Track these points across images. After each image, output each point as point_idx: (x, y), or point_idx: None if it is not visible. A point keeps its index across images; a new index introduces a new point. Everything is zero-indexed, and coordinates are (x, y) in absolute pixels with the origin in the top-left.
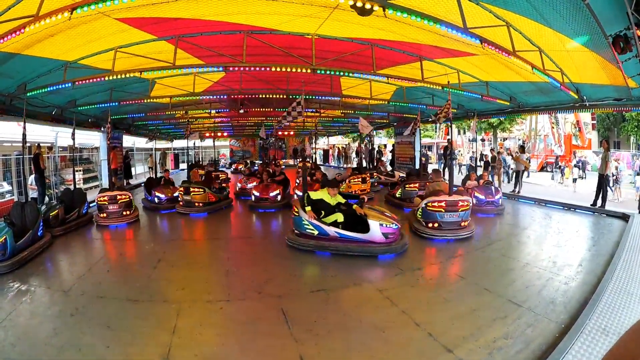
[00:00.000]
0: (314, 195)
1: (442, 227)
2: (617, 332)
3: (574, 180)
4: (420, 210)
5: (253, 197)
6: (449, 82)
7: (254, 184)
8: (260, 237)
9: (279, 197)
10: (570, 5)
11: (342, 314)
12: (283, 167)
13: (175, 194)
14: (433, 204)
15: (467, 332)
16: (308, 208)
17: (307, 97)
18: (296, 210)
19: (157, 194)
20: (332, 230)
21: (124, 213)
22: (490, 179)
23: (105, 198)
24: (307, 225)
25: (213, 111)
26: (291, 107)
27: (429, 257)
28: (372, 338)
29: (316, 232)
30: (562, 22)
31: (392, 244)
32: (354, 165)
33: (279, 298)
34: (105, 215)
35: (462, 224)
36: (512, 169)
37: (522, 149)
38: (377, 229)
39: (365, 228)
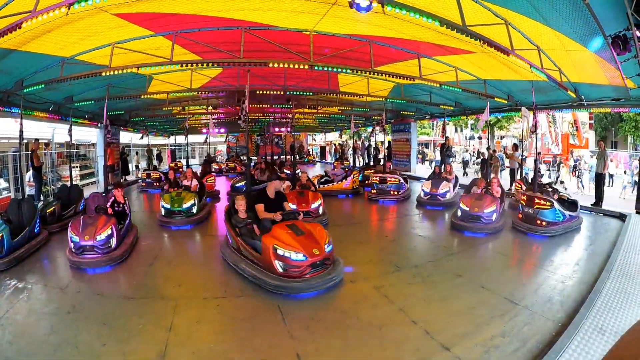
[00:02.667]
0: None
1: (378, 193)
2: (614, 331)
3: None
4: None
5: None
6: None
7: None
8: None
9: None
10: (570, 4)
11: (339, 311)
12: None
13: (103, 236)
14: (373, 178)
15: (464, 330)
16: None
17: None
18: None
19: (71, 233)
20: None
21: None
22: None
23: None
24: None
25: (210, 107)
26: None
27: (425, 254)
28: (369, 336)
29: None
30: (562, 22)
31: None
32: (350, 161)
33: (276, 295)
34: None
35: (392, 192)
36: (507, 166)
37: (515, 147)
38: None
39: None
